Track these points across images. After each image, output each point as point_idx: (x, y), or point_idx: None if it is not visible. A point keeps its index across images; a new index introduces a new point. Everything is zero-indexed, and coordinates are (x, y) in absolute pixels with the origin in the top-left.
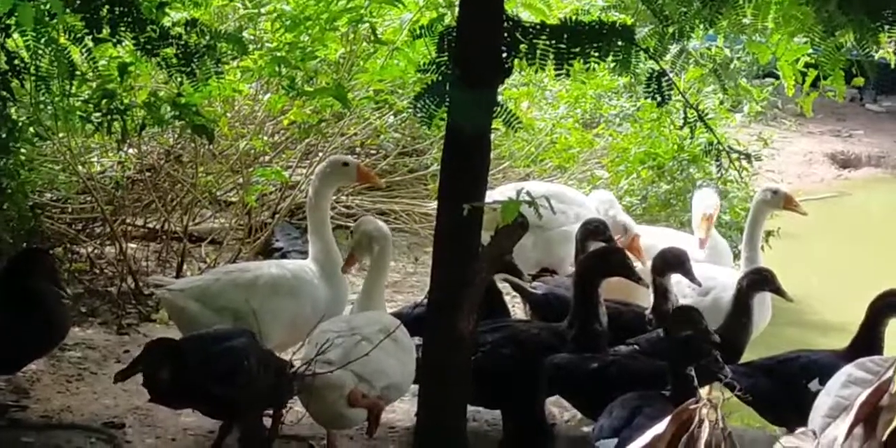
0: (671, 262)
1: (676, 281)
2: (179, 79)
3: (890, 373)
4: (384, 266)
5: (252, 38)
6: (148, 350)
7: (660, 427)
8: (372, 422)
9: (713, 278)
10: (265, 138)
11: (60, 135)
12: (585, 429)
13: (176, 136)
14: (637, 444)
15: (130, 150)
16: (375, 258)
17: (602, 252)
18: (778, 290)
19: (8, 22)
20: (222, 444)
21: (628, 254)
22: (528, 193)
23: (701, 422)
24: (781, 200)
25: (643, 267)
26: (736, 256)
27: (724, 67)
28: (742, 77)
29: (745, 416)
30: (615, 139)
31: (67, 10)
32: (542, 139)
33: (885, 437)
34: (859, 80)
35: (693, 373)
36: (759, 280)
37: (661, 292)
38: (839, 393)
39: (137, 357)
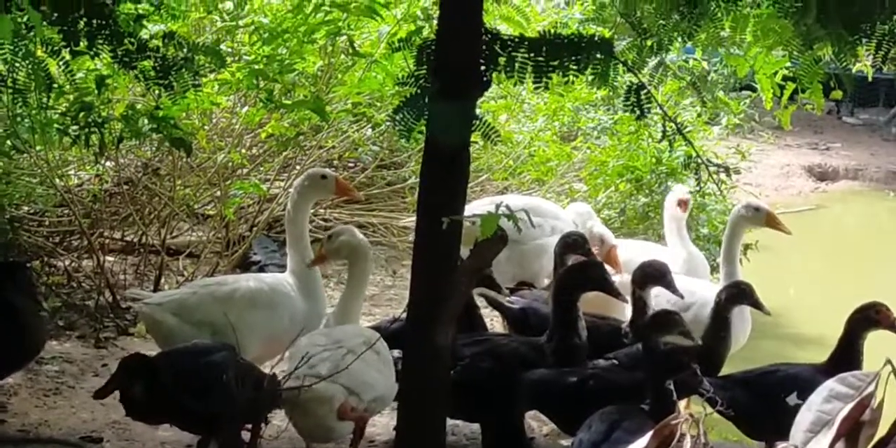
0: (652, 274)
1: (655, 295)
2: (157, 91)
3: (871, 388)
4: (363, 281)
5: (230, 50)
6: (122, 366)
7: (641, 442)
8: (357, 435)
9: (692, 293)
10: (243, 151)
11: (38, 148)
12: (564, 443)
13: (154, 149)
14: None
15: (108, 163)
16: (355, 273)
17: (581, 266)
18: (756, 304)
19: None
20: None
21: (606, 267)
22: (507, 207)
23: (682, 437)
24: (763, 218)
25: (621, 279)
26: (714, 269)
27: (703, 80)
28: (719, 90)
29: (722, 430)
30: (593, 152)
31: (45, 23)
32: (520, 152)
33: None
34: (837, 93)
35: (672, 386)
36: (738, 294)
37: (640, 306)
38: (821, 408)
39: (114, 374)
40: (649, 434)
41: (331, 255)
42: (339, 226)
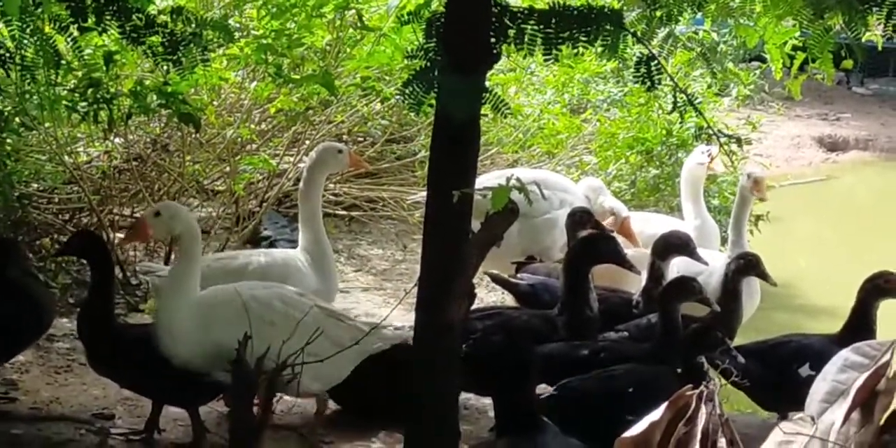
0: (675, 244)
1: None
2: (165, 67)
3: (887, 357)
4: (196, 255)
5: (238, 25)
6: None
7: (656, 414)
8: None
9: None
10: (252, 126)
11: (46, 125)
12: None
13: (162, 124)
14: (634, 431)
15: (117, 140)
16: (186, 248)
17: (592, 238)
18: (762, 275)
19: None
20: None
21: (619, 240)
22: (518, 179)
23: (697, 408)
24: (751, 184)
25: (633, 252)
26: (724, 240)
27: (712, 51)
28: (729, 61)
29: (735, 400)
30: (603, 124)
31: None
32: (529, 125)
33: (882, 421)
34: (848, 63)
35: (705, 361)
36: (745, 265)
37: (657, 276)
38: (836, 377)
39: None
40: (663, 406)
41: (157, 232)
42: (348, 205)
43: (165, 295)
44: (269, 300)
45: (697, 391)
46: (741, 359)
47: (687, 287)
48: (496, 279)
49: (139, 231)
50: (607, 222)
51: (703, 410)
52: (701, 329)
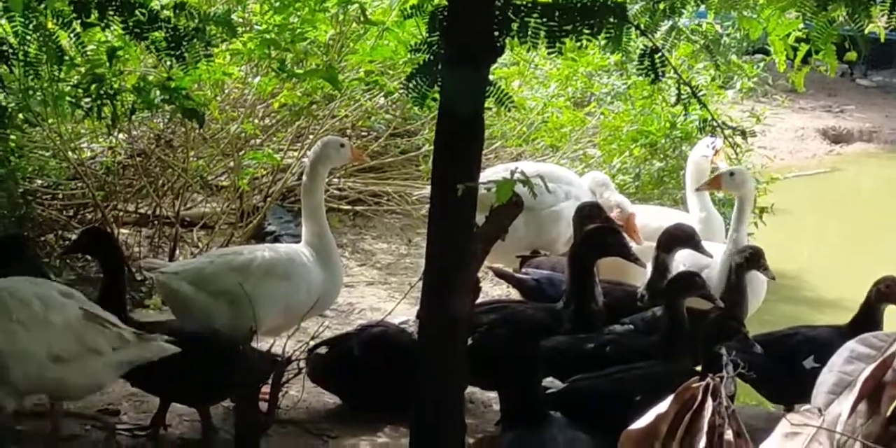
0: (680, 237)
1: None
2: (169, 62)
3: (893, 348)
4: None
5: (241, 20)
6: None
7: (662, 406)
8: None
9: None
10: (256, 121)
11: (50, 121)
12: None
13: (166, 120)
14: (640, 423)
15: (121, 136)
16: None
17: (598, 232)
18: (763, 268)
19: None
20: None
21: (624, 233)
22: (523, 173)
23: (704, 400)
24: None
25: (639, 246)
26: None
27: (716, 43)
28: (733, 53)
29: (741, 392)
30: (607, 117)
31: None
32: (533, 118)
33: (889, 413)
34: (852, 55)
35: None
36: (749, 258)
37: (662, 269)
38: (842, 369)
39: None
40: (670, 398)
41: None
42: (352, 199)
43: None
44: (28, 298)
45: (703, 383)
46: (758, 348)
47: (691, 282)
48: (501, 274)
49: None
50: (612, 216)
51: (710, 403)
52: (719, 318)
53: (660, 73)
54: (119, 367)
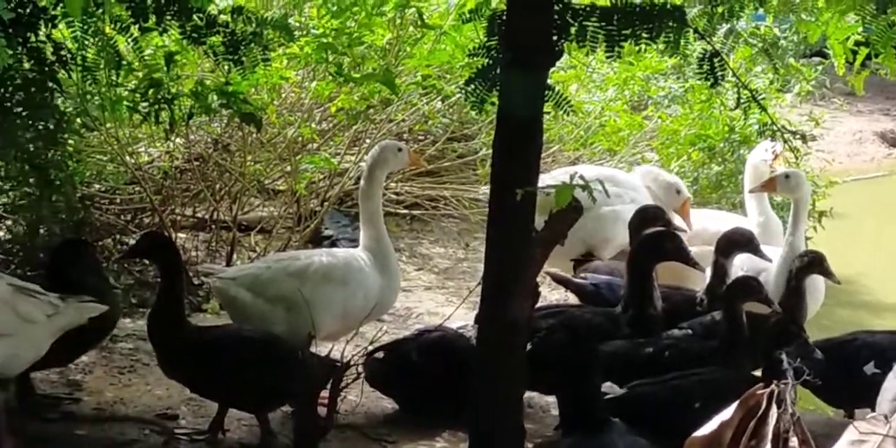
0: (738, 241)
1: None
2: (226, 67)
3: None
4: None
5: (298, 24)
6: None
7: (727, 413)
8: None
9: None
10: (313, 125)
11: (108, 125)
12: None
13: (223, 124)
14: (704, 430)
15: (178, 140)
16: None
17: (657, 236)
18: (826, 272)
19: (54, 12)
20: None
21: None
22: (582, 177)
23: (769, 407)
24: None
25: (697, 250)
26: None
27: (774, 47)
28: (790, 56)
29: (799, 397)
30: (665, 121)
31: (114, 0)
32: (590, 122)
33: None
34: None
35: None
36: (810, 262)
37: (721, 274)
38: None
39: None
40: (734, 405)
41: None
42: (409, 203)
43: None
44: None
45: (768, 390)
46: (819, 354)
47: (749, 287)
48: (559, 279)
49: None
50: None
51: (774, 410)
52: (779, 323)
53: (719, 77)
54: (55, 334)
